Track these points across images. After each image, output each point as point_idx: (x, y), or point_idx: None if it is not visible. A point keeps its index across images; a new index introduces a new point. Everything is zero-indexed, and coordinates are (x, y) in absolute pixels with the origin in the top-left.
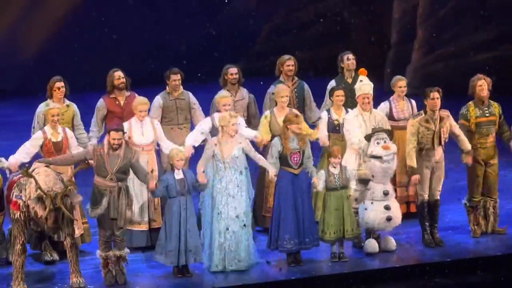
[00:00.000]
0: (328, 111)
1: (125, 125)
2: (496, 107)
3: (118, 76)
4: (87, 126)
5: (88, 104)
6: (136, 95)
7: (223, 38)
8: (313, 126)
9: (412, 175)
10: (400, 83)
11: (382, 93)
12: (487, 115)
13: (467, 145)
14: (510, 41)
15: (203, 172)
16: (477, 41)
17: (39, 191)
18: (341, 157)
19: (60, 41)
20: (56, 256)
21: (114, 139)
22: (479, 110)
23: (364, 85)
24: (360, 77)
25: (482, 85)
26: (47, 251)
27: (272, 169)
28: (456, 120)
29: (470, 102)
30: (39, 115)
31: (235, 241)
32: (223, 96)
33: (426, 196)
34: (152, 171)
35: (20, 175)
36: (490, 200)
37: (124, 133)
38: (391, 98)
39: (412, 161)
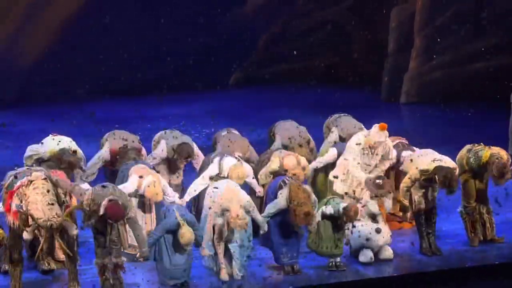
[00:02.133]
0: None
1: None
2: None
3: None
4: (82, 127)
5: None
6: None
7: (220, 48)
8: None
9: (407, 211)
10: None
11: (379, 103)
12: (485, 181)
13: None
14: (507, 50)
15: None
16: (474, 50)
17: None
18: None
19: (58, 49)
20: (53, 265)
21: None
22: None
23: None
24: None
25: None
26: (45, 260)
27: (265, 228)
28: None
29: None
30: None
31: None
32: (236, 167)
33: (422, 203)
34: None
35: (19, 184)
36: (483, 207)
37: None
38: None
39: (406, 202)
